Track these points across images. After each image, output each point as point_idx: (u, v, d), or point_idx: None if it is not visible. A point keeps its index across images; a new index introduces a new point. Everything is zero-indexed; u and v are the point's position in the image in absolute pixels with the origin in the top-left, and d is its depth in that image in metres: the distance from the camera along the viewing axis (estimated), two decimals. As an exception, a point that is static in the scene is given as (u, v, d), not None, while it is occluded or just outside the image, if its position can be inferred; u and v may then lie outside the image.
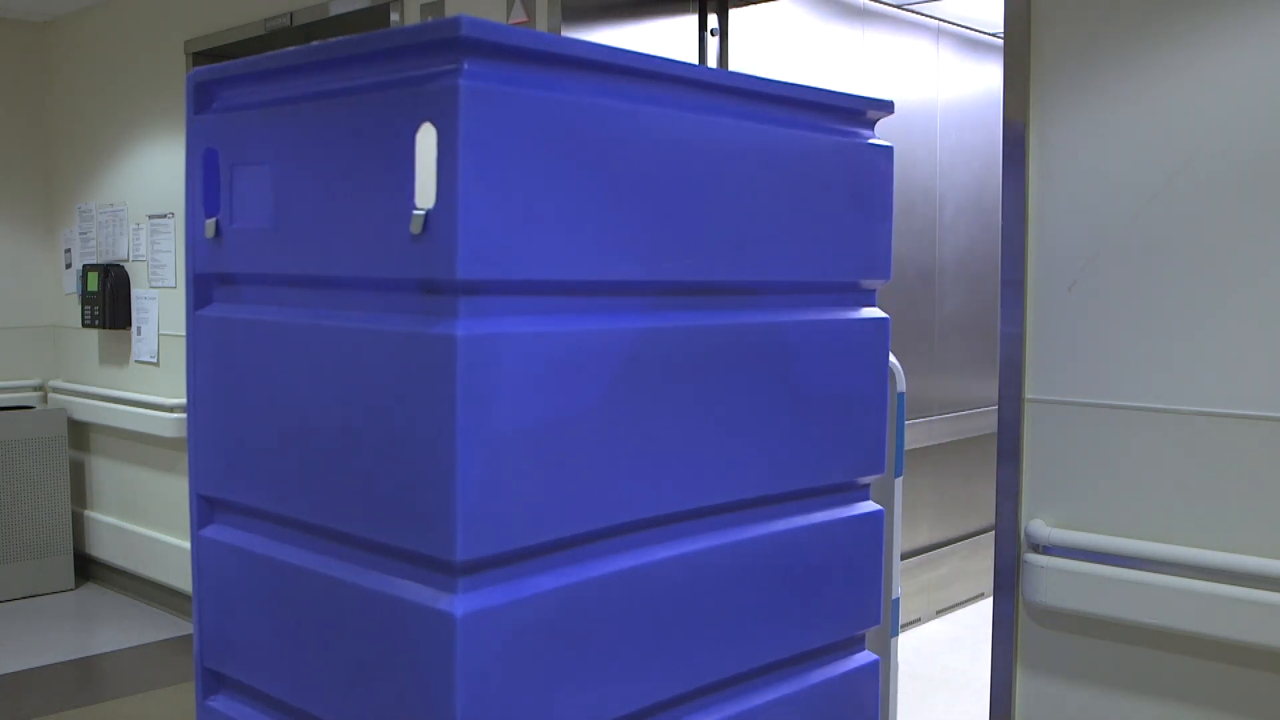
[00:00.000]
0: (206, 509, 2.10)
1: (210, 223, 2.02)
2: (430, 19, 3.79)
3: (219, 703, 2.11)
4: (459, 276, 1.59)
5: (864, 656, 2.28)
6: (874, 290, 2.22)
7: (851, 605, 2.25)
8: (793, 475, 2.11)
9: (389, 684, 1.75)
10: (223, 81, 2.02)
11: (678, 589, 1.92)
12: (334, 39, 1.90)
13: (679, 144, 1.88)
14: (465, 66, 1.61)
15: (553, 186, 1.72)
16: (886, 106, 2.16)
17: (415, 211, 1.64)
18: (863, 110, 2.13)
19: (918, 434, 4.85)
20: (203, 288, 2.09)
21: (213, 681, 2.13)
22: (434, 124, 1.62)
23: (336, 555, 1.83)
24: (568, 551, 1.78)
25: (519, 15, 3.53)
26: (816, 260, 2.12)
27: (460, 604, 1.62)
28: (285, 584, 1.93)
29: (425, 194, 1.65)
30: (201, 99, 2.05)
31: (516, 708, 1.71)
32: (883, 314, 2.21)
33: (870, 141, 2.17)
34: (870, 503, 2.23)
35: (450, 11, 3.75)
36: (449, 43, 1.61)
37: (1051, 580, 2.46)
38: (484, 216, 1.62)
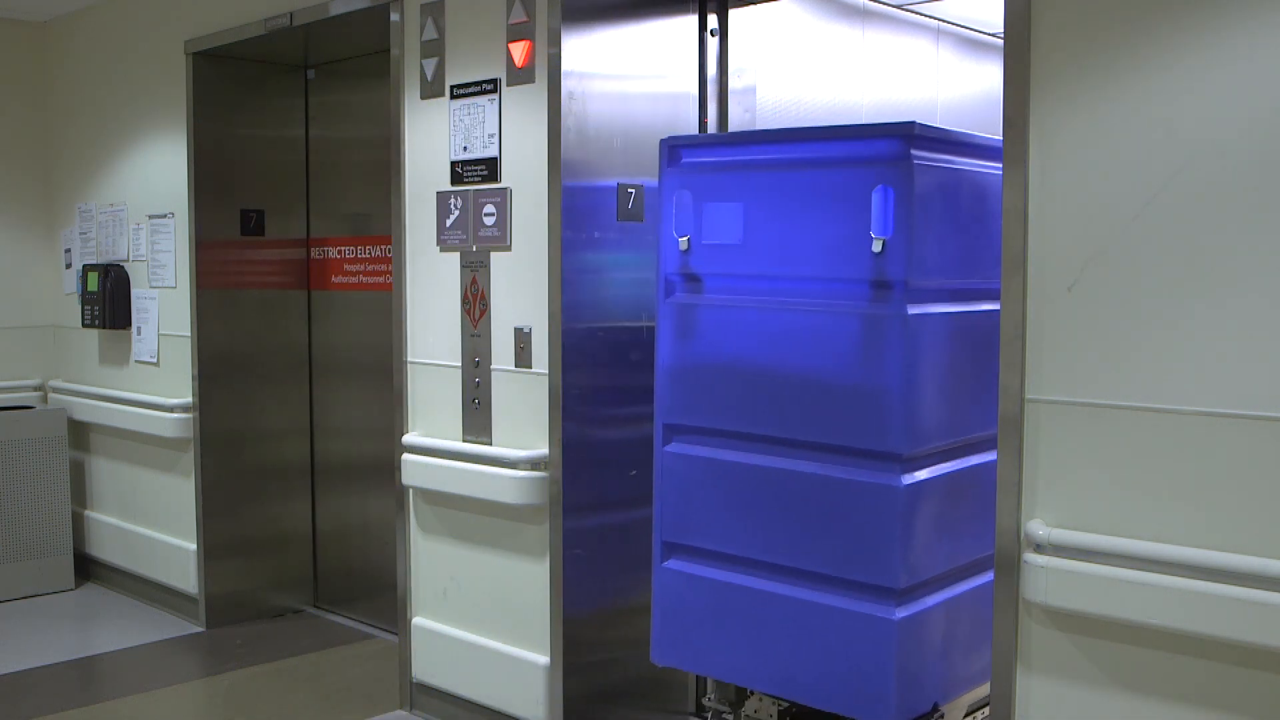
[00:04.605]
0: (667, 433, 3.13)
1: (683, 239, 3.05)
2: (427, 21, 3.79)
3: (673, 564, 3.15)
4: (908, 280, 2.72)
5: None
6: None
7: None
8: None
9: (842, 536, 2.83)
10: (689, 146, 3.10)
11: (974, 487, 2.96)
12: (800, 127, 3.16)
13: (982, 189, 2.91)
14: (912, 150, 2.70)
15: (940, 222, 2.81)
16: None
17: (875, 237, 2.71)
18: None
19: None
20: (671, 283, 3.11)
21: (668, 550, 3.17)
22: (893, 187, 2.69)
23: (795, 456, 2.91)
24: (940, 453, 2.89)
25: (519, 15, 3.52)
26: None
27: (903, 480, 2.77)
28: (742, 477, 2.99)
29: (880, 227, 2.71)
30: (672, 155, 3.10)
31: (920, 550, 2.82)
32: None
33: None
34: None
35: (450, 15, 3.75)
36: (905, 136, 2.72)
37: (1051, 580, 2.46)
38: (919, 243, 2.73)
